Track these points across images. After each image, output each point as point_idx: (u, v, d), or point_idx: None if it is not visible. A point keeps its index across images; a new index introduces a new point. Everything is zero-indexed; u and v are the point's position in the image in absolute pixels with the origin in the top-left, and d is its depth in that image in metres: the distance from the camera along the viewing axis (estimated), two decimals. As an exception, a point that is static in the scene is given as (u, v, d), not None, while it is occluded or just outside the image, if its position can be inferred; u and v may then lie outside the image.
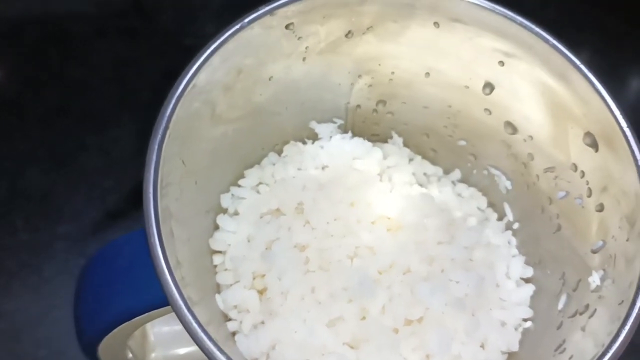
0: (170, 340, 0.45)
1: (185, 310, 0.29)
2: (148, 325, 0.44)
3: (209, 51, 0.34)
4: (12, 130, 0.61)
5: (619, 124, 0.34)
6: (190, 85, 0.33)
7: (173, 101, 0.32)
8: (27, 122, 0.61)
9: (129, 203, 0.59)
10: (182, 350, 0.45)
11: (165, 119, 0.32)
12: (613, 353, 0.30)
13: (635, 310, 0.30)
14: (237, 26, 0.34)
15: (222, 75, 0.36)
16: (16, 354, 0.52)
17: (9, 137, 0.60)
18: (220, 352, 0.29)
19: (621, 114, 0.34)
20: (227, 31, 0.34)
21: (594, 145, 0.35)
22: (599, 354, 0.30)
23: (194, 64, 0.33)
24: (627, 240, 0.33)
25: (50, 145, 0.60)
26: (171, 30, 0.68)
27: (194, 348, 0.43)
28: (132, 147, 0.61)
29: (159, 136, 0.31)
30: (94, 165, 0.60)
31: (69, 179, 0.59)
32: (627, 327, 0.30)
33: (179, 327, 0.44)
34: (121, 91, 0.64)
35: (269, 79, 0.39)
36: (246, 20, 0.35)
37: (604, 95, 0.34)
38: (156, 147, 0.31)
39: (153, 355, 0.44)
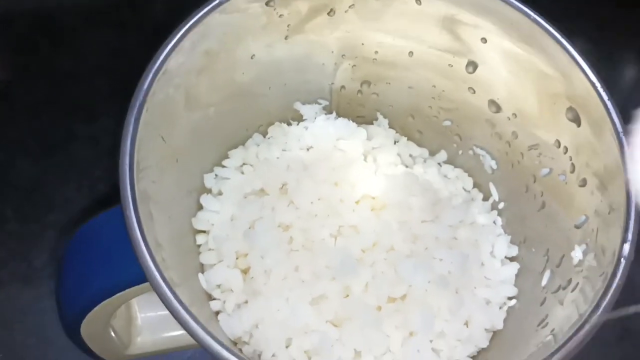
0: (156, 325, 0.45)
1: (168, 292, 0.29)
2: (134, 310, 0.44)
3: (188, 25, 0.34)
4: (1, 120, 0.60)
5: (600, 96, 0.34)
6: (171, 57, 0.33)
7: (150, 75, 0.32)
8: (17, 112, 0.61)
9: (118, 192, 0.58)
10: (168, 334, 0.45)
11: (143, 92, 0.32)
12: (592, 324, 0.29)
13: (616, 281, 0.30)
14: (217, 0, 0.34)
15: (202, 51, 0.35)
16: (5, 343, 0.52)
17: (-2, 127, 0.60)
18: (204, 331, 0.29)
19: (602, 86, 0.34)
20: (210, 3, 0.34)
21: (577, 119, 0.35)
22: (579, 325, 0.30)
23: (172, 38, 0.33)
24: (608, 213, 0.33)
25: (39, 135, 0.60)
26: (161, 22, 0.67)
27: (180, 332, 0.44)
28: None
29: (135, 110, 0.31)
30: (84, 154, 0.60)
31: (59, 168, 0.59)
32: (607, 298, 0.30)
33: (165, 311, 0.45)
34: (111, 82, 0.63)
35: (251, 58, 0.39)
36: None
37: (584, 68, 0.34)
38: (132, 120, 0.31)
39: (139, 339, 0.44)
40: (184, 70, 0.35)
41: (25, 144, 0.60)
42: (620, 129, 0.33)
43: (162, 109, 0.34)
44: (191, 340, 0.44)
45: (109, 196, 0.58)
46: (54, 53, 0.64)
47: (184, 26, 0.34)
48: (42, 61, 0.64)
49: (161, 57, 0.33)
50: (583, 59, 0.34)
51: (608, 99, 0.33)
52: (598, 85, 0.34)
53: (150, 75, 0.32)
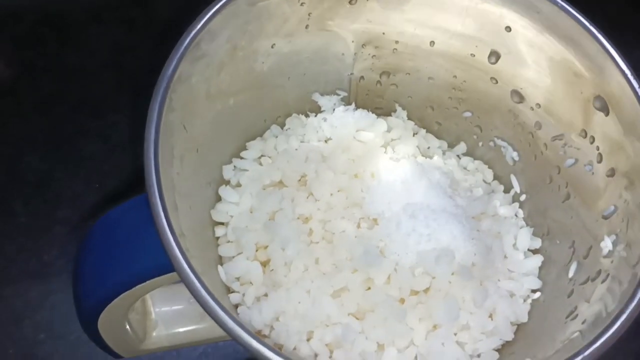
0: (170, 320, 0.44)
1: (196, 281, 0.28)
2: (149, 304, 0.44)
3: (212, 11, 0.33)
4: (9, 116, 0.60)
5: (630, 84, 0.33)
6: (193, 45, 0.32)
7: (175, 61, 0.32)
8: (25, 107, 0.61)
9: (128, 187, 0.58)
10: (182, 329, 0.44)
11: (167, 78, 0.31)
12: (629, 313, 0.29)
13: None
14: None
15: (225, 39, 0.35)
16: (15, 338, 0.51)
17: (6, 123, 0.59)
18: (231, 319, 0.28)
19: (632, 74, 0.33)
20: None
21: (605, 108, 0.35)
22: (614, 315, 0.29)
23: (197, 24, 0.33)
24: (639, 203, 0.32)
25: (48, 130, 0.60)
26: (169, 18, 0.67)
27: (194, 327, 0.43)
28: (131, 132, 0.60)
29: (159, 95, 0.31)
30: (93, 150, 0.59)
31: (68, 164, 0.58)
32: (637, 296, 0.29)
33: (180, 306, 0.44)
34: (119, 77, 0.63)
35: (272, 47, 0.39)
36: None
37: (614, 56, 0.34)
38: (157, 106, 0.30)
39: (154, 333, 0.43)
40: (207, 58, 0.34)
41: (34, 139, 0.59)
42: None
43: (185, 96, 0.33)
44: (204, 336, 0.44)
45: (118, 191, 0.57)
46: (61, 49, 0.64)
47: (209, 11, 0.33)
48: (50, 57, 0.63)
49: (185, 43, 0.32)
50: (612, 46, 0.34)
51: (639, 87, 0.33)
52: (628, 73, 0.33)
53: (175, 61, 0.32)
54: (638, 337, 0.51)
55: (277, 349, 0.27)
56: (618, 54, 0.33)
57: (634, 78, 0.33)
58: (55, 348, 0.51)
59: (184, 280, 0.28)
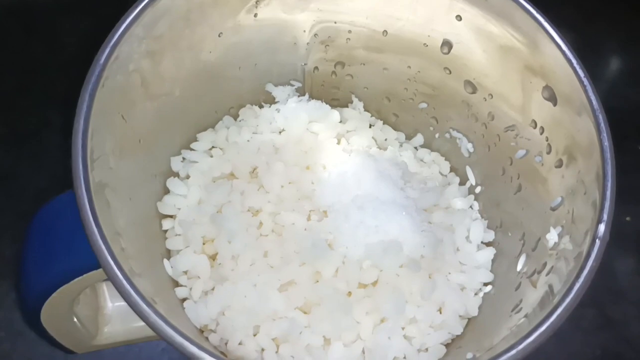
0: (127, 314, 0.43)
1: (125, 284, 0.28)
2: (103, 298, 0.43)
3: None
4: (-28, 108, 0.59)
5: (576, 73, 0.32)
6: (130, 31, 0.32)
7: (107, 49, 0.31)
8: (-12, 100, 0.60)
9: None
10: (140, 324, 0.43)
11: (99, 66, 0.30)
12: (565, 306, 0.28)
13: (590, 262, 0.29)
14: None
15: (164, 28, 0.34)
16: (-26, 335, 0.50)
17: (-32, 115, 0.59)
18: (165, 323, 0.27)
19: (578, 63, 0.33)
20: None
21: (553, 98, 0.34)
22: (551, 307, 0.28)
23: (129, 15, 0.32)
24: (584, 194, 0.32)
25: (12, 123, 0.59)
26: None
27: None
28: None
29: (89, 88, 0.30)
30: (58, 144, 0.58)
31: (32, 158, 0.58)
32: (581, 279, 0.29)
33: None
34: (87, 70, 0.62)
35: (219, 36, 0.38)
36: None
37: (560, 44, 0.33)
38: (87, 96, 0.30)
39: (106, 329, 0.43)
40: (143, 48, 0.33)
41: (-3, 131, 0.58)
42: (596, 107, 0.32)
43: (121, 87, 0.32)
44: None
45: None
46: (27, 41, 0.63)
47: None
48: (15, 49, 0.63)
49: (122, 27, 0.32)
50: (550, 25, 0.33)
51: (584, 76, 0.32)
52: (574, 62, 0.33)
53: (107, 51, 0.31)
54: (603, 330, 0.52)
55: (212, 351, 0.27)
56: (552, 27, 0.33)
57: (571, 54, 0.32)
58: (14, 346, 0.50)
59: (112, 281, 0.27)
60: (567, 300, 0.28)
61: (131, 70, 0.33)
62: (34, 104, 0.60)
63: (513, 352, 0.27)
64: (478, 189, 0.42)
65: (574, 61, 0.33)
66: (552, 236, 0.33)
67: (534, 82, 0.35)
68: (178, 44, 0.36)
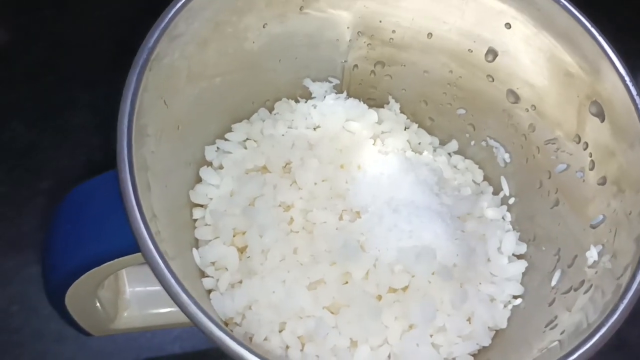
0: (145, 300, 0.43)
1: (162, 265, 0.27)
2: (123, 282, 0.43)
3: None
4: (-1, 81, 0.59)
5: (629, 91, 0.32)
6: (172, 22, 0.31)
7: (157, 33, 0.30)
8: (15, 74, 0.59)
9: (115, 162, 0.57)
10: (156, 311, 0.43)
11: (147, 50, 0.30)
12: (610, 325, 0.28)
13: (635, 284, 0.28)
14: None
15: (210, 15, 0.34)
16: (-13, 309, 0.50)
17: (-5, 88, 0.58)
18: (197, 307, 0.27)
19: (631, 80, 0.32)
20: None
21: (600, 114, 0.34)
22: (595, 327, 0.28)
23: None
24: (629, 214, 0.31)
25: (37, 99, 0.58)
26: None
27: (169, 309, 0.42)
28: (122, 107, 0.58)
29: (137, 68, 0.29)
30: (82, 122, 0.58)
31: (55, 135, 0.57)
32: (625, 301, 0.28)
33: (155, 287, 0.43)
34: (114, 49, 0.62)
35: (263, 27, 0.37)
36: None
37: (614, 60, 0.32)
38: (134, 79, 0.29)
39: (126, 313, 0.42)
40: (188, 35, 0.33)
41: (22, 107, 0.58)
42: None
43: (167, 71, 0.32)
44: (179, 319, 0.43)
45: (104, 166, 0.56)
46: (57, 15, 0.63)
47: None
48: (44, 23, 0.62)
49: (169, 15, 0.31)
50: (613, 50, 0.32)
51: (637, 95, 0.32)
52: (627, 79, 0.32)
53: (156, 34, 0.30)
54: (617, 351, 0.51)
55: (240, 340, 0.26)
56: (616, 55, 0.32)
57: (632, 82, 0.32)
58: (27, 321, 0.50)
59: (149, 264, 0.27)
60: (607, 325, 0.28)
61: (178, 55, 0.33)
62: (60, 80, 0.59)
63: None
64: (512, 200, 0.42)
65: (634, 91, 0.32)
66: (592, 254, 0.33)
67: (582, 97, 0.34)
68: (224, 31, 0.35)
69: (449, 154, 0.45)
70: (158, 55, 0.30)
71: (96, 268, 0.32)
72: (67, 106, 0.58)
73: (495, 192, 0.43)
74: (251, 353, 0.25)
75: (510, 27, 0.36)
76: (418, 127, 0.45)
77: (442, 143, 0.45)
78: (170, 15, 0.31)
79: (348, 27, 0.40)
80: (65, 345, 0.49)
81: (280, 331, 0.35)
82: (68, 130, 0.57)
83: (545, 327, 0.33)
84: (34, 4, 0.62)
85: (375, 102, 0.45)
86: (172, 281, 0.27)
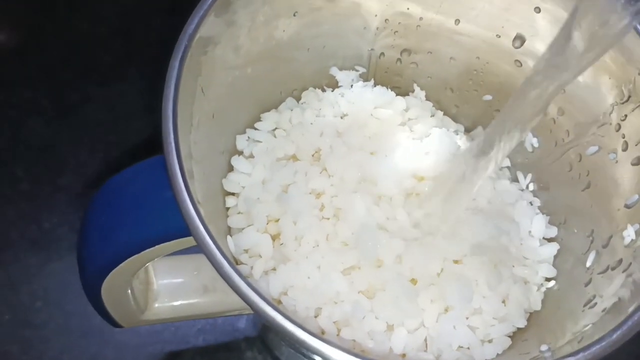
0: (171, 292, 0.43)
1: (212, 245, 0.27)
2: (152, 274, 0.43)
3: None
4: (15, 79, 0.59)
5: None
6: (218, 4, 0.31)
7: (197, 19, 0.30)
8: (32, 71, 0.60)
9: (133, 158, 0.57)
10: (183, 302, 0.43)
11: (187, 36, 0.30)
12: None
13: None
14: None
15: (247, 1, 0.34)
16: (12, 305, 0.50)
17: (12, 86, 0.59)
18: (249, 286, 0.27)
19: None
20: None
21: (634, 95, 0.34)
22: (633, 308, 0.28)
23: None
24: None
25: (54, 96, 0.59)
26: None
27: (195, 300, 0.42)
28: (138, 102, 0.59)
29: (180, 53, 0.30)
30: (99, 118, 0.58)
31: (73, 131, 0.57)
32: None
33: (181, 279, 0.43)
34: (128, 46, 0.62)
35: (294, 15, 0.38)
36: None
37: (648, 39, 0.33)
38: (177, 64, 0.29)
39: (156, 304, 0.42)
40: (225, 20, 0.33)
41: (39, 104, 0.58)
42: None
43: (204, 59, 0.32)
44: (205, 309, 0.43)
45: (122, 162, 0.56)
46: (70, 14, 0.63)
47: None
48: (58, 22, 0.62)
49: (208, 2, 0.31)
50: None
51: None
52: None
53: (197, 20, 0.30)
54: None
55: (290, 316, 0.26)
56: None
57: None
58: (50, 316, 0.50)
59: (201, 245, 0.27)
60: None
61: (214, 43, 0.33)
62: (75, 77, 0.60)
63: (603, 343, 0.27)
64: (540, 185, 0.42)
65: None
66: (629, 233, 0.33)
67: (613, 79, 0.35)
68: (255, 20, 0.35)
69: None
70: (197, 43, 0.30)
71: (135, 255, 0.32)
72: (82, 102, 0.58)
73: (524, 177, 0.43)
74: (305, 331, 0.26)
75: (539, 11, 0.36)
76: (443, 114, 0.45)
77: (467, 130, 0.45)
78: (209, 2, 0.31)
79: (376, 15, 0.40)
80: (90, 340, 0.49)
81: (316, 316, 0.35)
82: (85, 127, 0.58)
83: (584, 306, 0.33)
84: (48, 3, 0.63)
85: (400, 90, 0.45)
86: (224, 262, 0.27)
